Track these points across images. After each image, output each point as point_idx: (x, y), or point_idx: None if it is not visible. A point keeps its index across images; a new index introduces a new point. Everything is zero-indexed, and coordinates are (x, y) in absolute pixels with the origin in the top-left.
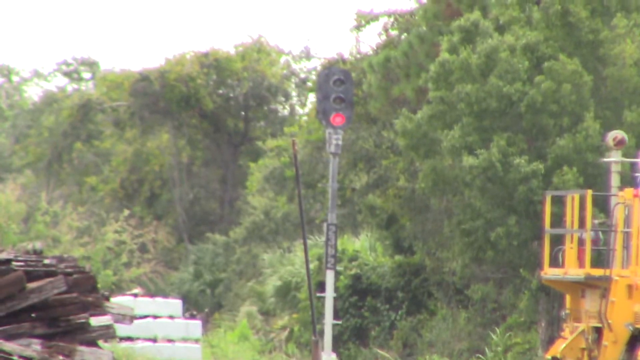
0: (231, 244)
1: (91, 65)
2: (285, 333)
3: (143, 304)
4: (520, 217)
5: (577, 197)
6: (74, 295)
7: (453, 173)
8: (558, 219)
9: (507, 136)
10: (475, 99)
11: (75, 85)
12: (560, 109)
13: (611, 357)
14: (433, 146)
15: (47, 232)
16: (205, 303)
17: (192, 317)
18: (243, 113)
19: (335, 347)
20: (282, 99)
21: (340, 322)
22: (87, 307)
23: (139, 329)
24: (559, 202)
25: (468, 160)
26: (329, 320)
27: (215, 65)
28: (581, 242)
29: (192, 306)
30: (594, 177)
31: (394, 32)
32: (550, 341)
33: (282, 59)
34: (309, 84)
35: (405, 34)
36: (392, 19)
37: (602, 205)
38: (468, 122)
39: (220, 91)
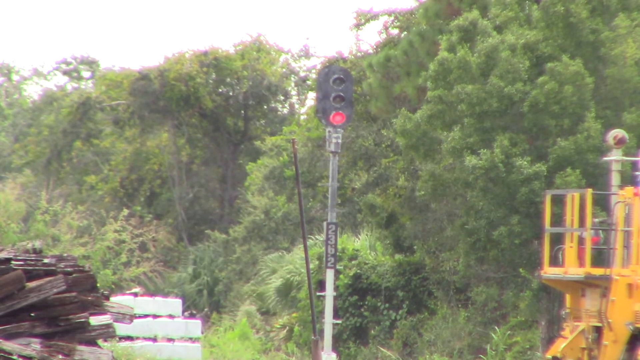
0: (231, 243)
1: (91, 64)
2: (285, 332)
3: (143, 303)
4: (522, 217)
5: (577, 196)
6: (74, 294)
7: (452, 176)
8: (559, 219)
9: (509, 136)
10: (477, 99)
11: (74, 84)
12: (561, 110)
13: (611, 357)
14: (433, 145)
15: (47, 231)
16: (203, 303)
17: (192, 316)
18: (243, 112)
19: (335, 347)
20: (282, 97)
21: (340, 321)
22: (86, 307)
23: (138, 328)
24: (559, 201)
25: (471, 161)
26: (328, 319)
27: (214, 64)
28: (581, 241)
29: (191, 306)
30: (595, 178)
31: (394, 31)
32: (550, 340)
33: (282, 58)
34: (309, 82)
35: (406, 33)
36: (392, 18)
37: (603, 204)
38: (469, 123)
39: (220, 90)
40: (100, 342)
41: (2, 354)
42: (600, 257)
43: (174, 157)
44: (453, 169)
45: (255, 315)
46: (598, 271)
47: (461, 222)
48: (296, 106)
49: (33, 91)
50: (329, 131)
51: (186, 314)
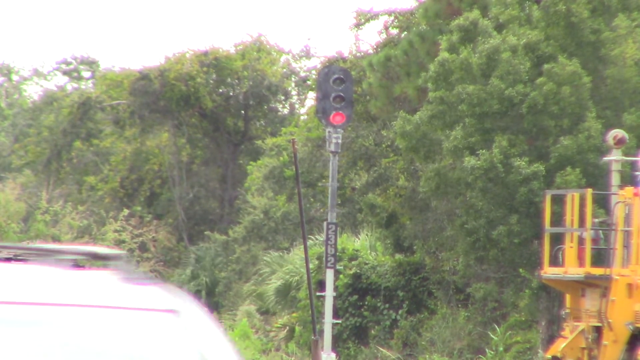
0: (230, 243)
1: (91, 64)
2: (285, 332)
3: None
4: (522, 217)
5: (577, 196)
6: None
7: (455, 175)
8: (559, 218)
9: (508, 137)
10: (477, 100)
11: (75, 84)
12: (560, 111)
13: (611, 357)
14: (433, 147)
15: (47, 231)
16: (201, 302)
17: None
18: (243, 112)
19: (335, 347)
20: (282, 97)
21: (340, 321)
22: None
23: None
24: (559, 201)
25: (470, 161)
26: (328, 319)
27: (215, 64)
28: (581, 241)
29: None
30: (595, 178)
31: (394, 31)
32: (550, 340)
33: (282, 58)
34: (309, 82)
35: (405, 33)
36: (392, 18)
37: (603, 204)
38: (470, 123)
39: (220, 90)
40: None
41: None
42: (600, 257)
43: (174, 157)
44: (454, 168)
45: (255, 315)
46: (598, 271)
47: (461, 222)
48: (296, 106)
49: (33, 91)
50: (329, 131)
51: None
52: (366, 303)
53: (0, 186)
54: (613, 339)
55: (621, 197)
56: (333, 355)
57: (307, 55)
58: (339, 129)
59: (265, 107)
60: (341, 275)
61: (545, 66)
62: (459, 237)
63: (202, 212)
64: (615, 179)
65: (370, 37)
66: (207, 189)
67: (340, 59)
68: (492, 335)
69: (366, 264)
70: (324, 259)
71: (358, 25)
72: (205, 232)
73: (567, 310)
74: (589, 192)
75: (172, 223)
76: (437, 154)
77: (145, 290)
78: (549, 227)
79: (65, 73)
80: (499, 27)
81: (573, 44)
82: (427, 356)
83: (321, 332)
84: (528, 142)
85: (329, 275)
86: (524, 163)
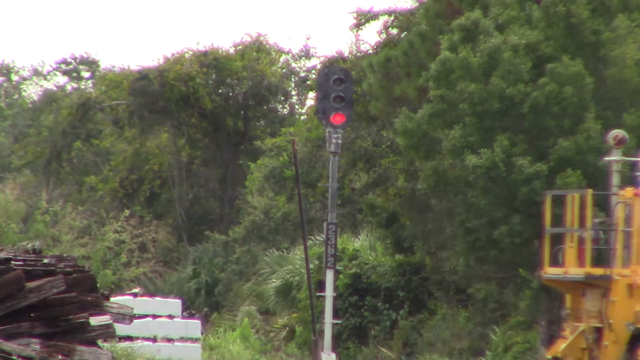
0: (230, 244)
1: (90, 64)
2: (285, 332)
3: (142, 304)
4: (523, 217)
5: (577, 196)
6: (73, 294)
7: (454, 173)
8: (559, 219)
9: (509, 137)
10: (478, 99)
11: (74, 84)
12: (561, 111)
13: (612, 357)
14: (433, 145)
15: (47, 231)
16: (201, 302)
17: (191, 316)
18: (242, 112)
19: (335, 347)
20: (282, 98)
21: (340, 321)
22: (86, 307)
23: (138, 329)
24: (560, 202)
25: (471, 160)
26: (328, 319)
27: (214, 65)
28: (581, 241)
29: (190, 305)
30: (595, 179)
31: (394, 31)
32: (550, 340)
33: (282, 58)
34: (309, 82)
35: (406, 33)
36: (392, 18)
37: (603, 204)
38: (470, 122)
39: (220, 90)
40: (100, 342)
41: (2, 354)
42: (601, 258)
43: (174, 157)
44: (454, 168)
45: (255, 316)
46: (598, 271)
47: (460, 220)
48: (296, 106)
49: (33, 91)
50: (329, 131)
51: (185, 313)
52: (366, 303)
53: (0, 186)
54: (613, 339)
55: (621, 197)
56: (333, 355)
57: (307, 55)
58: (339, 129)
59: (265, 107)
60: (341, 276)
61: (549, 66)
62: (458, 234)
63: (202, 212)
64: (615, 179)
65: (370, 37)
66: (207, 189)
67: (340, 59)
68: (492, 336)
69: (366, 264)
70: (324, 259)
71: (358, 25)
72: (205, 233)
73: (568, 311)
74: (589, 192)
75: (172, 223)
76: (437, 152)
77: None
78: (550, 227)
79: (65, 73)
80: (499, 28)
81: (573, 45)
82: (427, 356)
83: (321, 332)
84: (529, 142)
85: (329, 276)
86: (526, 162)
